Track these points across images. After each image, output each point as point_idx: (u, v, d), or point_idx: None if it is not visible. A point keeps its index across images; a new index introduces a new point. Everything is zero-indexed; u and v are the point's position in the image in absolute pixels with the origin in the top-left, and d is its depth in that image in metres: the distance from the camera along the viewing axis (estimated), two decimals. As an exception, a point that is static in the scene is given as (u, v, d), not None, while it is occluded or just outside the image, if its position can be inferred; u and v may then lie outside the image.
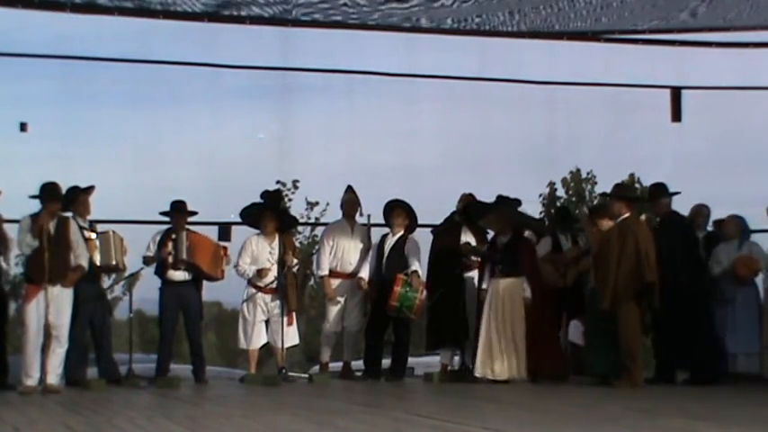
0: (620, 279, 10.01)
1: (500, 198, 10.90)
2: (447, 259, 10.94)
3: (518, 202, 10.98)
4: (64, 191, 9.94)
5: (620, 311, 10.00)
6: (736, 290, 10.71)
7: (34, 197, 9.62)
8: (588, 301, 10.73)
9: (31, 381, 9.45)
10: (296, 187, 21.92)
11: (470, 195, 11.30)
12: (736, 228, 10.91)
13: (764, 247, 10.94)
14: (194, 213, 10.84)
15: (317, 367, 12.10)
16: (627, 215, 10.25)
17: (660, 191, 10.79)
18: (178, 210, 10.65)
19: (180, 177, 13.47)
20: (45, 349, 9.50)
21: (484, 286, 10.65)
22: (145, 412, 7.63)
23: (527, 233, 11.13)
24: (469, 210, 11.14)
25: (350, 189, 11.39)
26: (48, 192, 9.59)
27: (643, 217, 11.12)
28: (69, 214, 9.97)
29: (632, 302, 10.04)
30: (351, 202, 11.38)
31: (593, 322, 10.51)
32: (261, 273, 10.78)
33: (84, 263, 9.74)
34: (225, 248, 10.92)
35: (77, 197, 10.15)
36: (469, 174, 10.73)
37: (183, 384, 10.23)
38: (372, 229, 11.54)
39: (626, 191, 11.07)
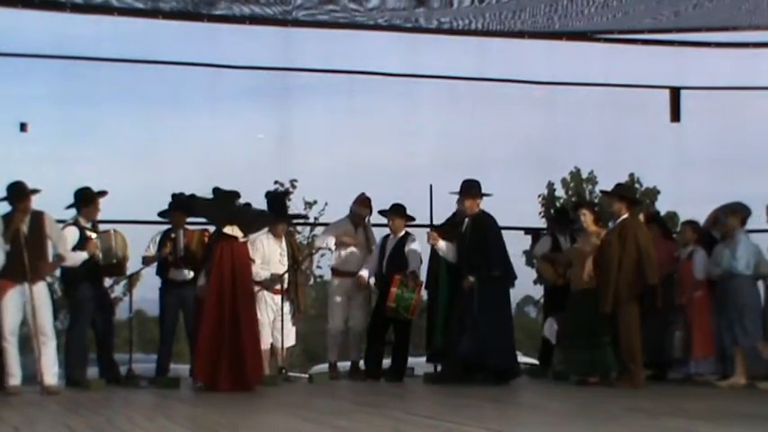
0: (622, 280, 10.01)
1: (214, 191, 10.00)
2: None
3: (235, 195, 9.95)
4: (74, 191, 9.98)
5: (620, 312, 10.01)
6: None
7: (2, 199, 9.34)
8: (571, 301, 10.68)
9: (14, 380, 9.24)
10: (294, 187, 21.90)
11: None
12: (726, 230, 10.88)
13: (764, 248, 10.94)
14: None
15: (316, 367, 12.11)
16: (626, 216, 10.26)
17: (475, 188, 10.65)
18: (177, 207, 10.55)
19: (180, 177, 13.47)
20: (36, 351, 9.31)
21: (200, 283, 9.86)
22: (145, 412, 7.63)
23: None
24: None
25: (368, 201, 11.33)
26: (16, 192, 9.32)
27: (641, 218, 11.11)
28: (73, 213, 9.97)
29: (633, 303, 10.06)
30: (365, 215, 11.34)
31: (577, 323, 10.47)
32: (274, 277, 10.65)
33: (64, 251, 9.57)
34: (206, 232, 10.56)
35: (92, 198, 10.12)
36: (469, 174, 10.66)
37: (183, 384, 10.23)
38: (373, 229, 11.54)
39: (628, 191, 11.04)
